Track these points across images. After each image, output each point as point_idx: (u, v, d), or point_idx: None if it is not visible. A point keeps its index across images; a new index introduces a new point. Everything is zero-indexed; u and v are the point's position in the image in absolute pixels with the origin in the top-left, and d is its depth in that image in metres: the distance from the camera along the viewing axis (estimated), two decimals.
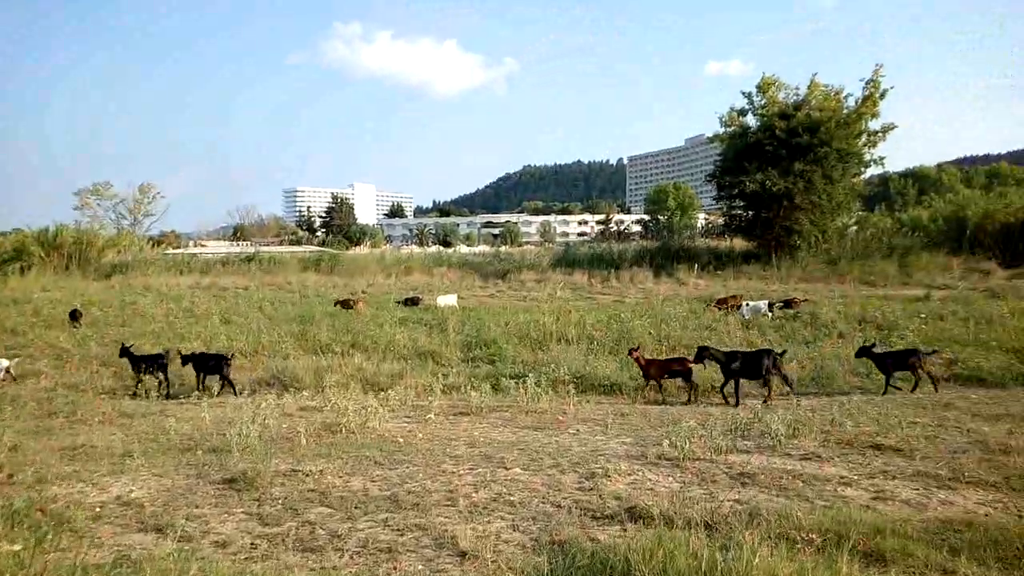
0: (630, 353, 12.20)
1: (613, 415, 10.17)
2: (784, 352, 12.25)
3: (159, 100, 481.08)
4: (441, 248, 75.66)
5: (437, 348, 15.54)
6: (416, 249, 69.55)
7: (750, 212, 36.13)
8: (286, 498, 6.62)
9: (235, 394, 12.55)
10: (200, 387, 12.95)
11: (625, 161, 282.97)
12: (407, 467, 7.59)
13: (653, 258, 36.45)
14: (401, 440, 8.92)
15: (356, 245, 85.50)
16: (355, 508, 6.35)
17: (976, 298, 21.77)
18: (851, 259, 32.16)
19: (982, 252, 32.55)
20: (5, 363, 13.87)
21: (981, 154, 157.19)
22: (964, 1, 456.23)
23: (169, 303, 24.78)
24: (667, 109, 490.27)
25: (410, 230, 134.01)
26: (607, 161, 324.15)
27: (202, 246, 77.30)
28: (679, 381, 11.95)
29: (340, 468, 7.56)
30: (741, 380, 11.19)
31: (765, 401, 10.99)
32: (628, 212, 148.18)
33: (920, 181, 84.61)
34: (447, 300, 22.99)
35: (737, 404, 10.90)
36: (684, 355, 12.87)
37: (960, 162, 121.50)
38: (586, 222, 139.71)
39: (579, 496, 6.48)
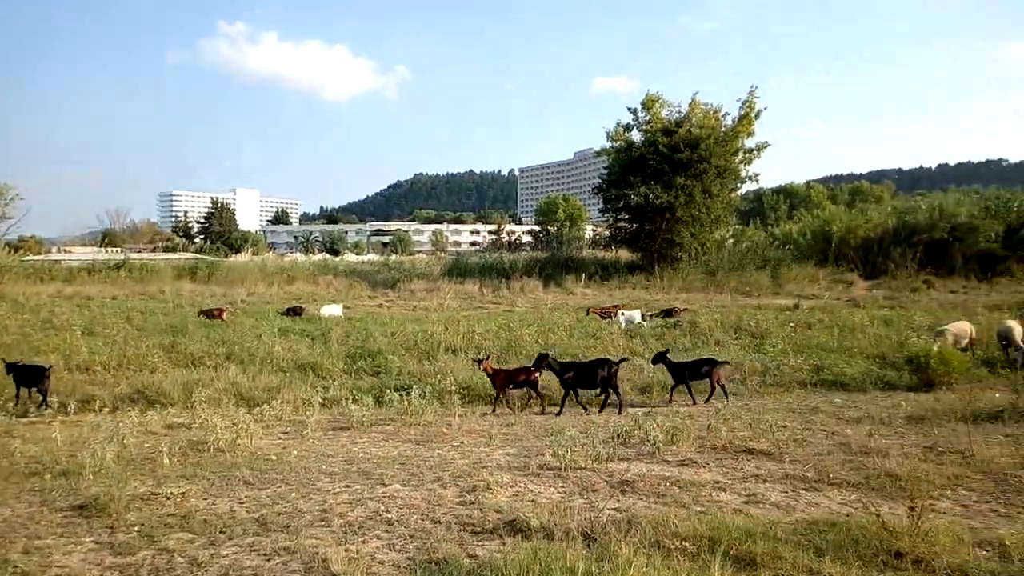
0: (478, 364, 11.92)
1: (498, 426, 10.09)
2: (624, 359, 12.42)
3: (23, 97, 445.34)
4: (328, 256, 73.75)
5: (319, 360, 14.99)
6: (301, 257, 67.40)
7: (635, 224, 37.28)
8: (142, 524, 6.09)
9: (49, 409, 11.62)
10: (16, 401, 12.02)
11: (516, 172, 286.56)
12: (279, 486, 7.18)
13: (543, 268, 36.95)
14: (274, 457, 8.47)
15: (237, 252, 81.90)
16: (219, 532, 5.91)
17: (840, 307, 23.28)
18: (728, 270, 33.79)
19: (845, 264, 35.02)
20: None
21: (845, 173, 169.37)
22: (831, 35, 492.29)
23: (25, 313, 22.78)
24: (557, 122, 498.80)
25: (295, 237, 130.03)
26: (499, 172, 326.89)
27: (67, 252, 71.84)
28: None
29: (205, 490, 7.06)
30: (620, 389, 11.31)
31: (601, 409, 11.19)
32: (519, 223, 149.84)
33: (791, 197, 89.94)
34: (332, 310, 22.34)
35: (559, 413, 11.09)
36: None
37: (826, 180, 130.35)
38: (478, 232, 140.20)
39: (459, 511, 6.31)
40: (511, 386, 11.67)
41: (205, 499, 6.78)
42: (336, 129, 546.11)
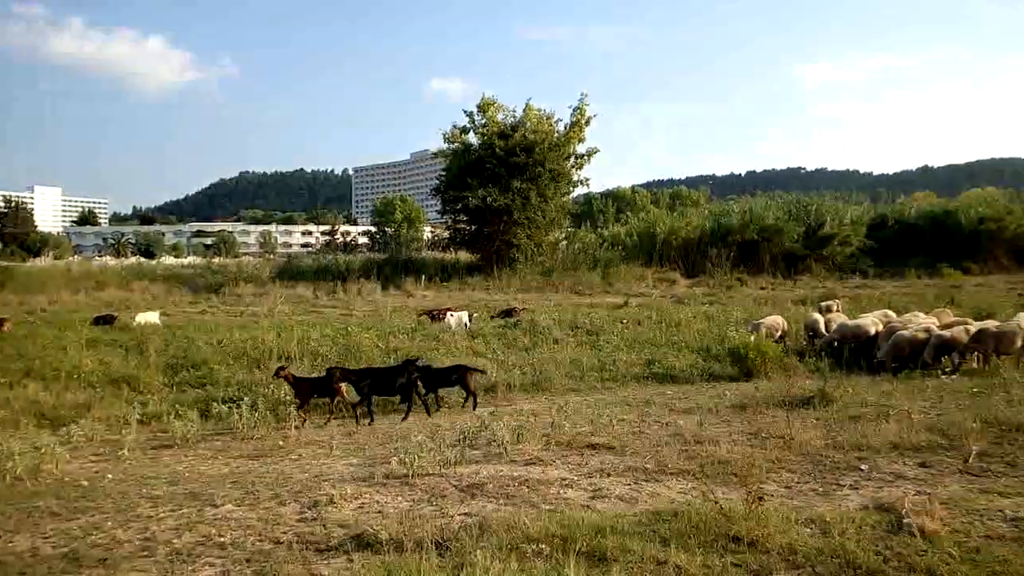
0: (277, 373, 11.26)
1: (339, 435, 9.65)
2: (427, 366, 12.06)
3: None
4: (142, 259, 68.11)
5: (135, 372, 13.68)
6: (112, 261, 61.67)
7: (473, 226, 37.53)
8: None
9: None
10: None
11: (351, 172, 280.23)
12: (92, 515, 6.39)
13: (381, 270, 36.23)
14: (85, 483, 7.56)
15: (35, 257, 73.60)
16: (18, 574, 5.14)
17: (665, 304, 24.70)
18: (563, 270, 34.90)
19: (669, 264, 37.27)
20: None
21: (666, 178, 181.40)
22: (650, 49, 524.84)
23: None
24: (394, 122, 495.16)
25: (105, 240, 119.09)
26: (332, 171, 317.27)
27: None
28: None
29: (0, 525, 6.14)
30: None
31: (404, 418, 10.93)
32: (355, 223, 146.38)
33: (618, 201, 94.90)
34: (147, 317, 20.51)
35: (371, 422, 10.72)
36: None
37: (649, 185, 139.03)
38: (311, 233, 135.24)
39: (301, 528, 5.90)
40: (315, 395, 11.12)
41: (0, 537, 5.88)
42: (152, 124, 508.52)
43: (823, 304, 20.39)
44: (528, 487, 6.81)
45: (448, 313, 19.13)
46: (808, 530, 5.43)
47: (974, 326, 13.19)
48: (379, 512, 6.19)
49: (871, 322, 14.60)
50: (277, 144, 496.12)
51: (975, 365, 12.61)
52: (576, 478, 7.08)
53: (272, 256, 69.05)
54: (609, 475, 7.14)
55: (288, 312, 25.08)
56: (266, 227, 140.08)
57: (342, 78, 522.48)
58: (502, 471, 7.39)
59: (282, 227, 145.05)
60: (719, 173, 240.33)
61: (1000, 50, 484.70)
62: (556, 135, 36.54)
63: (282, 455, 8.71)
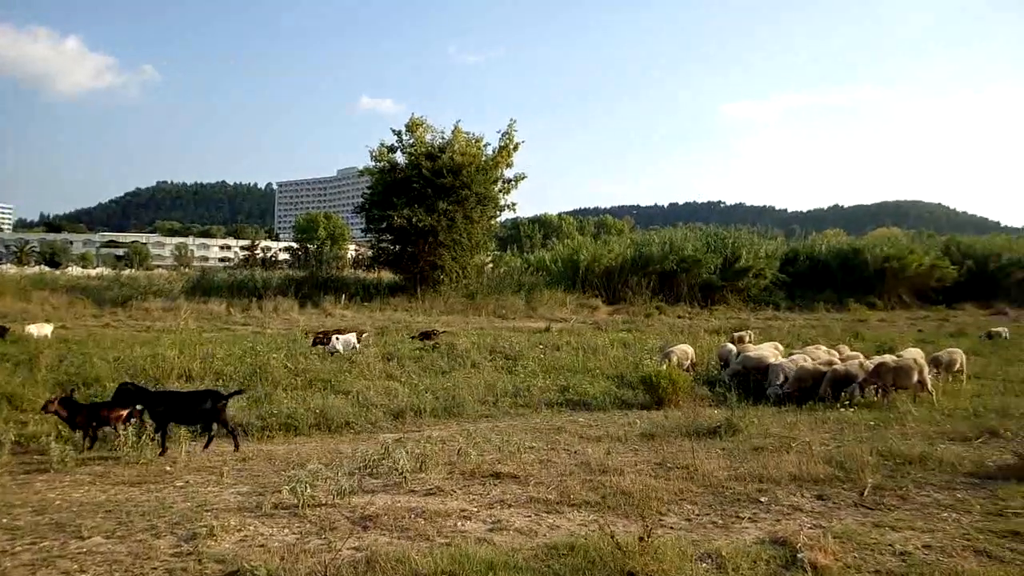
0: (45, 408, 9.80)
1: (233, 460, 9.12)
2: (240, 391, 11.40)
3: None
4: (46, 268, 64.46)
5: (18, 390, 12.70)
6: (12, 269, 58.10)
7: (398, 246, 37.03)
8: None
9: None
10: None
11: (275, 186, 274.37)
12: None
13: (300, 287, 35.29)
14: None
15: None
16: None
17: (586, 330, 24.84)
18: (487, 294, 34.79)
19: (591, 290, 37.68)
20: None
21: (592, 207, 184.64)
22: (579, 80, 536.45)
23: None
24: (320, 138, 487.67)
25: (7, 247, 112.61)
26: (255, 184, 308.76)
27: None
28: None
29: None
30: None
31: (206, 446, 9.89)
32: (276, 239, 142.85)
33: (545, 227, 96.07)
34: (41, 330, 19.28)
35: (163, 452, 9.31)
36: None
37: (576, 213, 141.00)
38: (229, 247, 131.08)
39: (173, 563, 5.46)
40: (95, 424, 9.82)
41: None
42: (63, 128, 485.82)
43: (736, 334, 20.90)
44: (425, 519, 6.53)
45: (335, 336, 18.29)
46: (704, 565, 5.36)
47: (868, 361, 13.71)
48: (262, 546, 5.80)
49: (770, 353, 14.97)
50: (198, 155, 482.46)
51: (874, 399, 13.01)
52: (476, 509, 6.84)
53: (187, 270, 66.38)
54: (510, 506, 6.94)
55: (197, 328, 24.06)
56: (182, 239, 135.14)
57: (269, 91, 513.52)
58: (399, 502, 7.08)
59: (199, 240, 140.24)
60: (643, 203, 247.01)
61: (907, 98, 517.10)
62: (484, 159, 36.60)
63: (167, 481, 8.14)
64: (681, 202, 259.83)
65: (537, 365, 16.59)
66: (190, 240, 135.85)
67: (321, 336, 18.79)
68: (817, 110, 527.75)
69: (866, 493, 7.22)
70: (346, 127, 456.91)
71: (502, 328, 25.56)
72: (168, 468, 8.75)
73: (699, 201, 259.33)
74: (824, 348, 16.10)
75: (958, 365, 14.96)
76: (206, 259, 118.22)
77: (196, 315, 27.83)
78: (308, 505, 6.79)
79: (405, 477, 7.74)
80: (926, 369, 13.19)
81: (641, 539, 5.25)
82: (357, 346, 17.99)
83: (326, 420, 11.67)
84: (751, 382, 14.18)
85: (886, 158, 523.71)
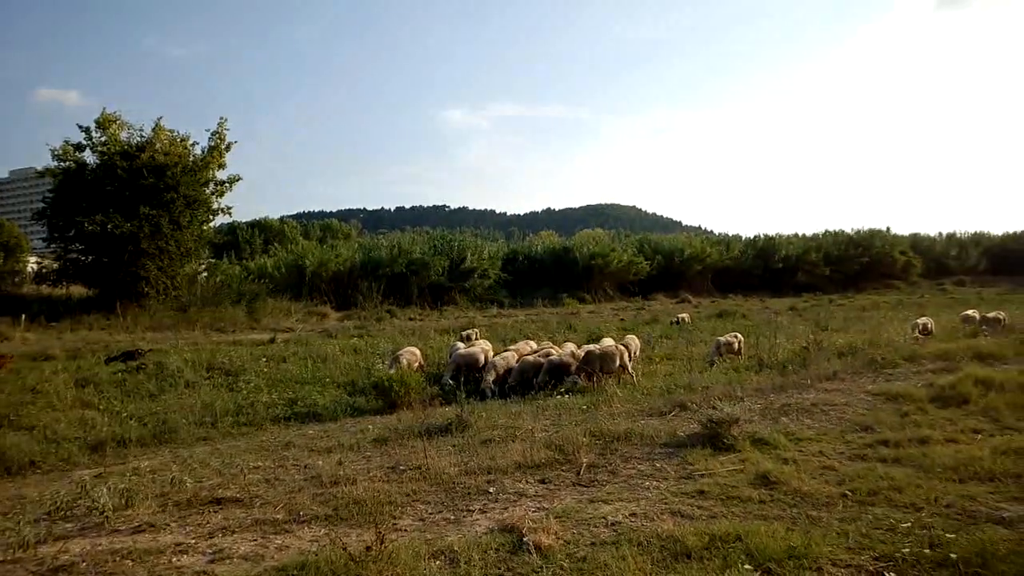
0: None
1: None
2: None
3: None
4: None
5: None
6: None
7: (90, 256, 32.69)
8: None
9: None
10: None
11: None
12: None
13: None
14: None
15: None
16: None
17: (314, 339, 24.01)
18: (201, 306, 31.99)
19: (319, 297, 36.58)
20: None
21: (317, 210, 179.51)
22: (305, 80, 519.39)
23: None
24: None
25: None
26: None
27: None
28: None
29: None
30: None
31: None
32: None
33: (266, 231, 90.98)
34: None
35: None
36: None
37: (299, 216, 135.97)
38: None
39: None
40: None
41: None
42: None
43: (464, 333, 21.63)
44: (133, 559, 5.79)
45: None
46: (438, 562, 5.41)
47: (579, 350, 15.03)
48: None
49: (480, 350, 15.76)
50: None
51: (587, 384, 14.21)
52: (193, 541, 6.22)
53: None
54: (233, 532, 6.41)
55: None
56: None
57: None
58: (100, 544, 6.20)
59: None
60: (370, 207, 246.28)
61: (600, 113, 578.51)
62: (192, 159, 33.67)
63: None
64: (408, 206, 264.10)
65: (262, 379, 15.63)
66: None
67: None
68: (527, 121, 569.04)
69: (582, 472, 7.84)
70: (20, 122, 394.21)
71: (220, 342, 23.70)
72: None
73: (425, 205, 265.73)
74: (532, 343, 17.31)
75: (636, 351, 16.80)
76: None
77: None
78: None
79: (107, 516, 6.79)
80: (627, 354, 14.73)
81: (368, 548, 5.16)
82: None
83: (4, 462, 9.88)
84: (464, 379, 14.58)
85: (590, 166, 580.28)
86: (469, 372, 14.85)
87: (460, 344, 17.53)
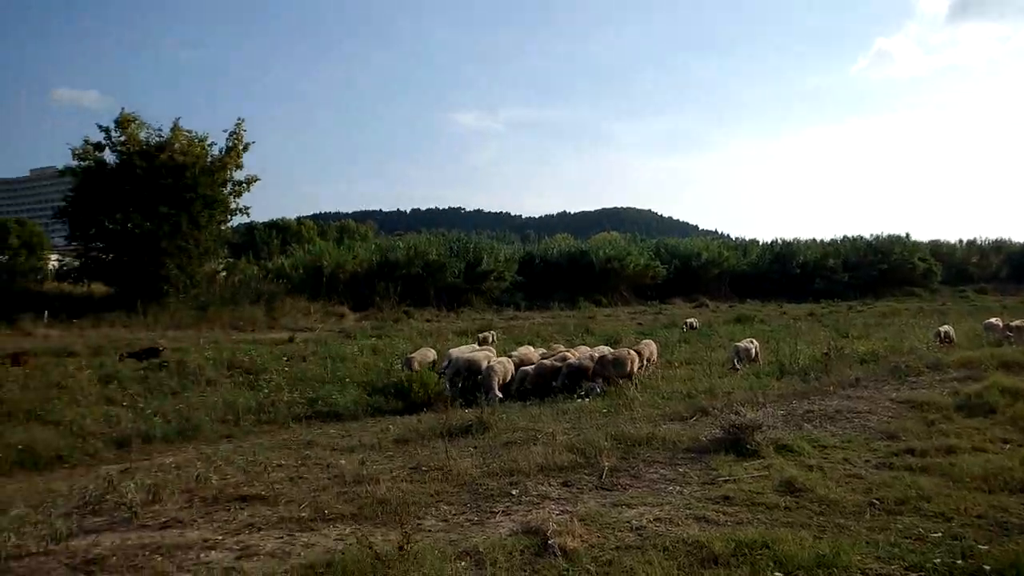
0: None
1: None
2: None
3: None
4: None
5: None
6: None
7: (111, 255, 33.05)
8: None
9: None
10: None
11: None
12: None
13: None
14: None
15: None
16: None
17: (333, 339, 24.16)
18: (221, 305, 32.23)
19: (337, 297, 36.74)
20: None
21: (333, 211, 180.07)
22: (315, 82, 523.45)
23: None
24: (10, 135, 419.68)
25: None
26: None
27: None
28: None
29: None
30: None
31: None
32: None
33: (283, 232, 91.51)
34: None
35: None
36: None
37: (316, 217, 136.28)
38: None
39: None
40: None
41: None
42: None
43: (481, 335, 21.66)
44: (162, 554, 5.85)
45: None
46: (463, 563, 5.41)
47: (570, 353, 15.01)
48: None
49: (483, 356, 15.64)
50: None
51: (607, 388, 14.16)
52: (221, 537, 6.27)
53: None
54: (260, 529, 6.46)
55: None
56: None
57: None
58: (130, 539, 6.27)
59: None
60: (386, 208, 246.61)
61: (613, 118, 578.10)
62: (210, 159, 33.91)
63: None
64: (423, 208, 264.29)
65: (282, 378, 15.73)
66: None
67: None
68: (542, 124, 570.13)
69: (604, 476, 7.81)
70: (40, 122, 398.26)
71: (240, 341, 23.88)
72: None
73: (440, 207, 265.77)
74: (532, 349, 17.08)
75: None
76: None
77: None
78: (14, 557, 5.76)
79: (135, 511, 6.86)
80: (638, 359, 14.64)
81: (400, 548, 5.18)
82: None
83: (32, 456, 10.03)
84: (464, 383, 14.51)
85: (605, 170, 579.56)
86: (470, 376, 14.73)
87: (454, 351, 17.30)
